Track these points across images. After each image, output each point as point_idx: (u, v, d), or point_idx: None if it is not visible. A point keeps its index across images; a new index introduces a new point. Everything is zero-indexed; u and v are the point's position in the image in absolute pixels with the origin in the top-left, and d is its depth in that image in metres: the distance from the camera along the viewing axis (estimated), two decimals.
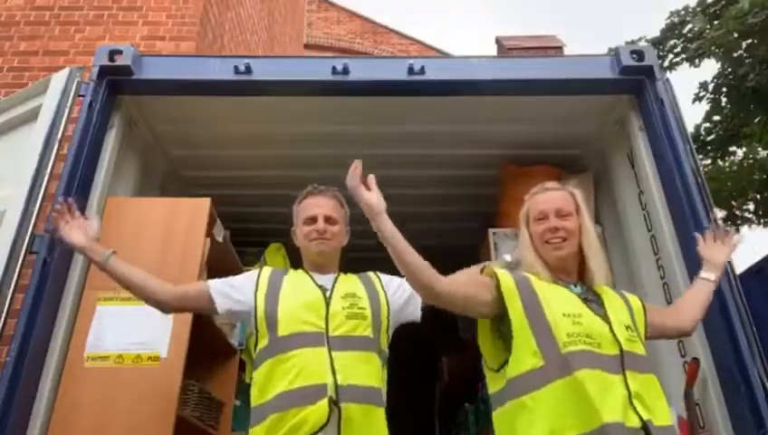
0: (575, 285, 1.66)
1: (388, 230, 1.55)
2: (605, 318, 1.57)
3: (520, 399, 1.50)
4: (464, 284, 1.67)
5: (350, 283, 1.87)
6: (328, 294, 1.78)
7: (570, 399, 1.43)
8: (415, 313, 1.89)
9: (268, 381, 1.66)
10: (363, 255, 2.25)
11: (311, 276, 1.85)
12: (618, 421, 1.38)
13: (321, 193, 1.95)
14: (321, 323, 1.70)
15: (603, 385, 1.43)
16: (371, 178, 1.61)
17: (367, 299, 1.81)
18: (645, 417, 1.40)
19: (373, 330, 1.76)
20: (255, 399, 1.69)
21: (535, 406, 1.47)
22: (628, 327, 1.57)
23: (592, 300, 1.63)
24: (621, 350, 1.50)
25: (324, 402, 1.57)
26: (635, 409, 1.41)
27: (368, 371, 1.69)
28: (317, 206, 1.91)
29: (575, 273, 1.69)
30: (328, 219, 1.88)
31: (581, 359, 1.47)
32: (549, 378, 1.47)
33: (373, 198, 1.55)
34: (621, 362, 1.48)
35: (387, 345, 1.83)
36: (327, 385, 1.59)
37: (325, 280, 1.83)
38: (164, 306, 1.83)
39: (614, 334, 1.52)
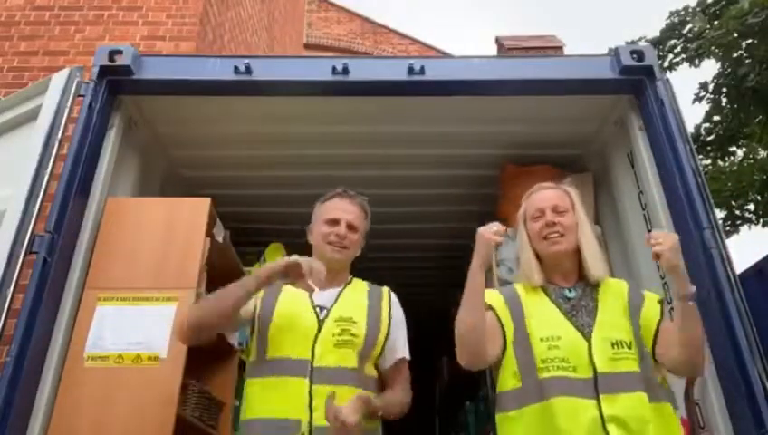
0: (570, 290, 1.66)
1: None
2: (588, 336, 1.55)
3: (504, 413, 1.58)
4: (491, 339, 1.63)
5: (354, 300, 1.78)
6: (323, 315, 1.70)
7: (541, 424, 1.48)
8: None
9: (253, 402, 1.65)
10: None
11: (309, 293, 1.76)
12: None
13: (350, 198, 1.87)
14: (308, 352, 1.63)
15: (573, 412, 1.45)
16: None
17: (364, 324, 1.72)
18: None
19: (359, 359, 1.67)
20: (242, 413, 1.69)
21: (514, 425, 1.54)
22: (615, 344, 1.54)
23: (584, 307, 1.62)
24: (595, 373, 1.49)
25: None
26: (607, 433, 1.42)
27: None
28: (343, 210, 1.83)
29: (573, 274, 1.69)
30: (350, 226, 1.81)
31: (555, 386, 1.49)
32: (525, 401, 1.53)
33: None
34: (595, 386, 1.48)
35: (373, 371, 1.75)
36: (301, 423, 1.54)
37: (326, 297, 1.73)
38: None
39: (591, 356, 1.51)
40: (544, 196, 1.75)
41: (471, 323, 1.56)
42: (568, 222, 1.68)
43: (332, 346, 1.64)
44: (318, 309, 1.72)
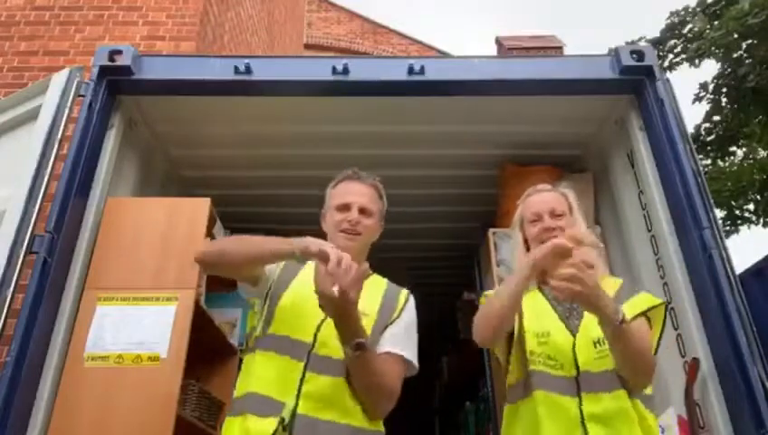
0: None
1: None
2: (575, 336, 1.58)
3: (508, 405, 1.64)
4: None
5: (368, 294, 1.57)
6: None
7: (529, 416, 1.52)
8: None
9: (247, 376, 1.54)
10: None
11: None
12: None
13: (361, 180, 1.74)
14: (310, 336, 1.51)
15: (554, 408, 1.48)
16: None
17: (374, 318, 1.56)
18: None
19: None
20: (236, 389, 1.57)
21: (514, 417, 1.59)
22: (597, 342, 1.54)
23: (575, 308, 1.63)
24: (578, 372, 1.51)
25: (273, 421, 1.40)
26: (586, 431, 1.43)
27: (348, 406, 1.47)
28: (354, 193, 1.70)
29: None
30: (363, 211, 1.67)
31: (539, 379, 1.53)
32: (521, 394, 1.57)
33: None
34: (577, 385, 1.50)
35: None
36: (284, 406, 1.42)
37: None
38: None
39: (575, 355, 1.54)
40: (541, 199, 1.74)
41: (505, 309, 1.55)
42: (565, 226, 1.68)
43: (333, 335, 1.48)
44: None
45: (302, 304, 1.56)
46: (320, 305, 1.38)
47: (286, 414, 1.41)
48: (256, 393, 1.48)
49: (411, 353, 1.61)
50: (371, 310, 1.59)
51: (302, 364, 1.49)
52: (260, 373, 1.52)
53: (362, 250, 1.71)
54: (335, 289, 1.32)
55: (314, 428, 1.42)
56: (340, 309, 1.37)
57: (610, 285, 1.68)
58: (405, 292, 1.72)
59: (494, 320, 1.57)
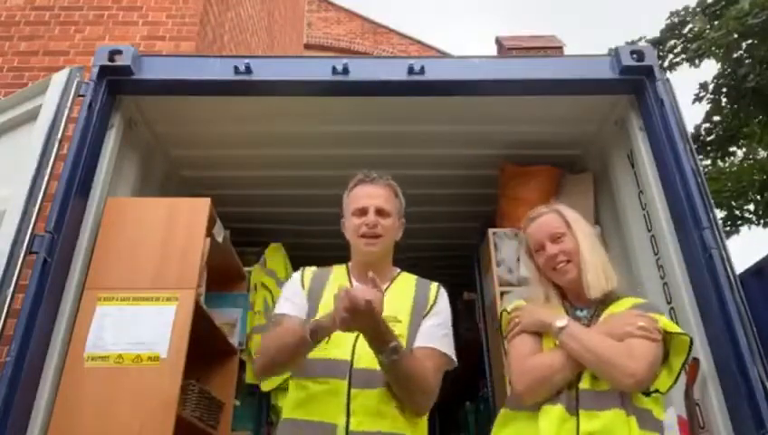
0: (581, 309, 1.64)
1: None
2: None
3: (510, 411, 1.60)
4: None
5: (399, 297, 1.65)
6: None
7: (529, 426, 1.49)
8: None
9: (293, 402, 1.58)
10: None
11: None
12: None
13: (374, 181, 1.74)
14: (348, 352, 1.53)
15: (557, 422, 1.45)
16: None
17: (407, 324, 1.59)
18: None
19: None
20: (284, 412, 1.62)
21: (512, 424, 1.56)
22: None
23: (587, 326, 1.60)
24: (577, 391, 1.50)
25: None
26: None
27: (395, 415, 1.51)
28: (368, 196, 1.70)
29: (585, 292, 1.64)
30: (380, 212, 1.67)
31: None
32: (529, 405, 1.53)
33: None
34: (576, 403, 1.48)
35: None
36: (337, 427, 1.46)
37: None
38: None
39: (579, 375, 1.52)
40: (539, 227, 1.72)
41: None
42: (569, 246, 1.65)
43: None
44: None
45: None
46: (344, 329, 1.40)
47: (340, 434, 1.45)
48: (307, 420, 1.51)
49: (448, 346, 1.63)
50: (404, 314, 1.62)
51: (346, 382, 1.51)
52: (303, 399, 1.54)
53: (386, 253, 1.74)
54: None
55: None
56: (364, 325, 1.39)
57: (622, 305, 1.63)
58: (435, 285, 1.74)
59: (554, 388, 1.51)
